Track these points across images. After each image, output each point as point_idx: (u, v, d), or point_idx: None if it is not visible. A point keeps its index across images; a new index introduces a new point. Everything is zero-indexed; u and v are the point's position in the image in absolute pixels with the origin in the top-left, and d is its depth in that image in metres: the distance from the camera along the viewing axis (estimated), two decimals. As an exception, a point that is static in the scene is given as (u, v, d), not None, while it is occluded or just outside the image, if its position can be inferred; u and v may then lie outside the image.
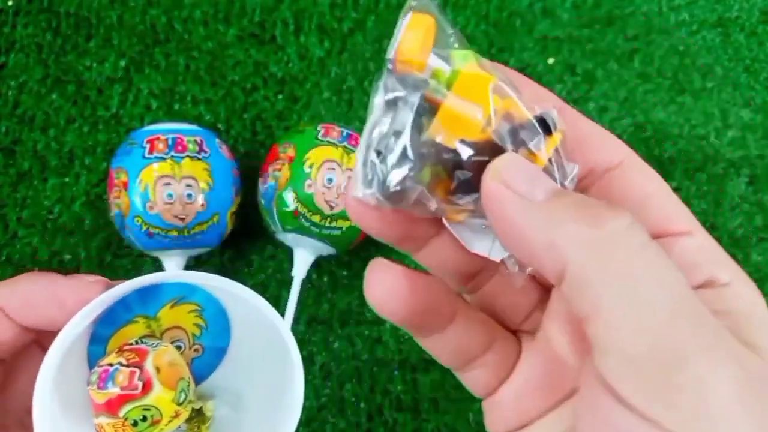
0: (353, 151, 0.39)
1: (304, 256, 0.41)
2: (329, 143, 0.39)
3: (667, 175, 0.47)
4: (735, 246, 0.46)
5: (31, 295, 0.21)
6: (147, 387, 0.20)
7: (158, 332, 0.24)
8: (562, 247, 0.15)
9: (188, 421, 0.23)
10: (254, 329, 0.23)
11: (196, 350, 0.25)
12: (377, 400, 0.43)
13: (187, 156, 0.38)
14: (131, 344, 0.22)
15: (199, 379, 0.25)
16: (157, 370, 0.21)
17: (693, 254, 0.18)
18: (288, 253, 0.43)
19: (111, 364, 0.21)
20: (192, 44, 0.47)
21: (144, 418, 0.20)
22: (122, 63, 0.47)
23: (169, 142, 0.38)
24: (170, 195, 0.38)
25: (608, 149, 0.19)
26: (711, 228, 0.46)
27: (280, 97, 0.47)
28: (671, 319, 0.14)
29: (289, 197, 0.39)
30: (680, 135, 0.48)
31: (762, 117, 0.48)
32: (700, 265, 0.18)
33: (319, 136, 0.39)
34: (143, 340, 0.23)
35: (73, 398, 0.21)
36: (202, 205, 0.38)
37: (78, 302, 0.20)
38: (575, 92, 0.48)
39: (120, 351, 0.22)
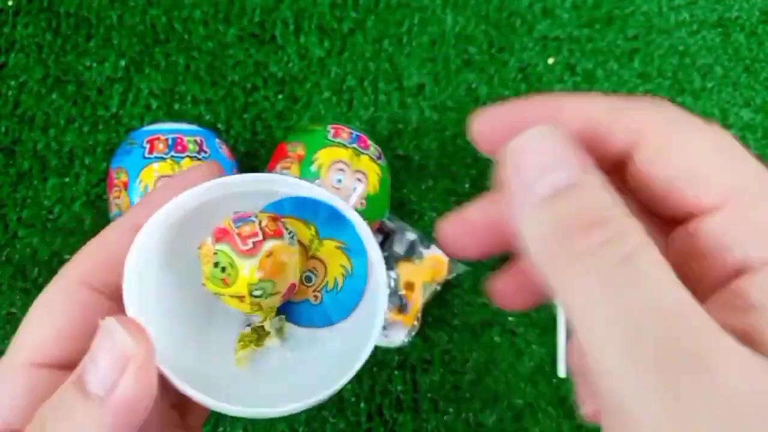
0: (363, 153, 0.39)
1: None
2: (339, 144, 0.39)
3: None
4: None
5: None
6: (249, 252, 0.20)
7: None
8: (535, 257, 0.15)
9: (249, 333, 0.23)
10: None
11: (315, 296, 0.24)
12: (377, 400, 0.43)
13: (187, 156, 0.38)
14: (281, 219, 0.22)
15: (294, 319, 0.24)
16: (267, 255, 0.20)
17: (720, 237, 0.15)
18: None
19: (255, 215, 0.21)
20: (192, 44, 0.47)
21: (223, 269, 0.20)
22: (122, 63, 0.47)
23: (169, 142, 0.38)
24: (170, 195, 0.38)
25: (621, 124, 0.17)
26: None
27: (280, 97, 0.47)
28: (621, 361, 0.13)
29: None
30: (680, 135, 0.48)
31: (762, 117, 0.48)
32: (728, 250, 0.15)
33: (330, 137, 0.39)
34: (289, 229, 0.22)
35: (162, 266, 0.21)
36: (202, 205, 0.38)
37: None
38: (575, 92, 0.48)
39: (271, 217, 0.21)
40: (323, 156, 0.39)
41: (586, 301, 0.14)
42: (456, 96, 0.48)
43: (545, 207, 0.15)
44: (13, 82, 0.46)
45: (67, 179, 0.45)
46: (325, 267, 0.23)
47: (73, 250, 0.44)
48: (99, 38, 0.47)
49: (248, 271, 0.20)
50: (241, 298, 0.21)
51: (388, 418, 0.43)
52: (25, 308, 0.43)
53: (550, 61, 0.49)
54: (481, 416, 0.42)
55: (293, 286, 0.22)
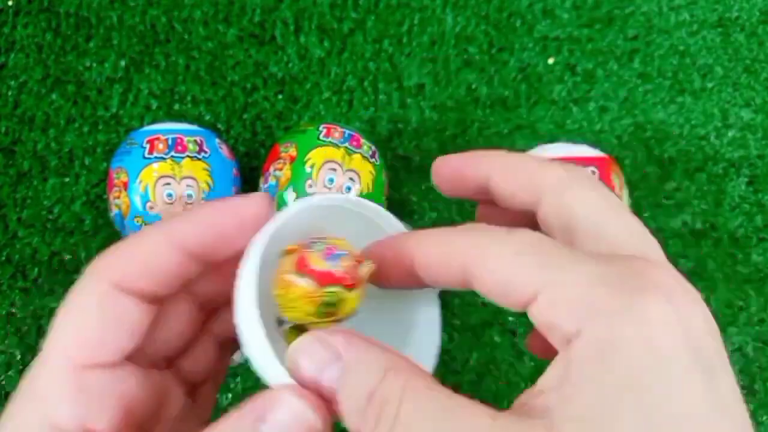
0: (355, 152, 0.39)
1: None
2: (331, 144, 0.39)
3: (667, 175, 0.47)
4: (735, 246, 0.46)
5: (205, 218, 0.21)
6: (355, 284, 0.21)
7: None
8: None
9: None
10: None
11: None
12: (377, 400, 0.43)
13: (187, 156, 0.38)
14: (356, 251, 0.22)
15: None
16: (363, 281, 0.21)
17: (540, 319, 0.17)
18: (288, 253, 0.42)
19: (336, 246, 0.21)
20: (192, 44, 0.47)
21: (332, 305, 0.21)
22: (122, 63, 0.47)
23: (169, 142, 0.38)
24: (170, 195, 0.38)
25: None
26: (711, 228, 0.46)
27: (280, 97, 0.47)
28: None
29: (290, 197, 0.39)
30: (680, 135, 0.48)
31: (762, 117, 0.48)
32: (550, 326, 0.16)
33: (321, 137, 0.39)
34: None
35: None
36: (202, 205, 0.38)
37: (255, 216, 0.21)
38: (575, 92, 0.48)
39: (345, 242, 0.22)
40: (315, 156, 0.39)
41: None
42: (456, 96, 0.48)
43: (340, 400, 0.17)
44: (13, 82, 0.46)
45: (67, 179, 0.45)
46: None
47: (73, 250, 0.44)
48: (99, 38, 0.47)
49: (355, 302, 0.21)
50: (338, 319, 0.22)
51: (388, 418, 0.43)
52: (25, 308, 0.43)
53: (550, 61, 0.49)
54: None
55: None
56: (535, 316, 0.17)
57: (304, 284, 0.20)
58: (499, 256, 0.18)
